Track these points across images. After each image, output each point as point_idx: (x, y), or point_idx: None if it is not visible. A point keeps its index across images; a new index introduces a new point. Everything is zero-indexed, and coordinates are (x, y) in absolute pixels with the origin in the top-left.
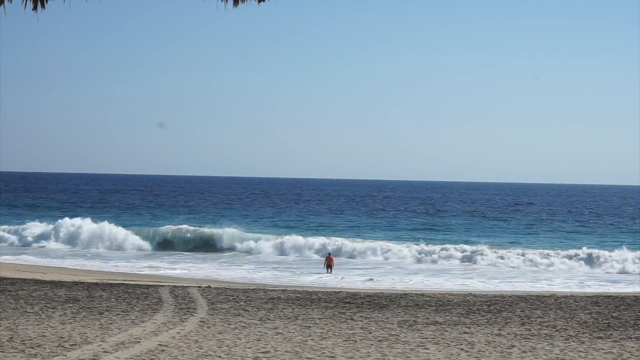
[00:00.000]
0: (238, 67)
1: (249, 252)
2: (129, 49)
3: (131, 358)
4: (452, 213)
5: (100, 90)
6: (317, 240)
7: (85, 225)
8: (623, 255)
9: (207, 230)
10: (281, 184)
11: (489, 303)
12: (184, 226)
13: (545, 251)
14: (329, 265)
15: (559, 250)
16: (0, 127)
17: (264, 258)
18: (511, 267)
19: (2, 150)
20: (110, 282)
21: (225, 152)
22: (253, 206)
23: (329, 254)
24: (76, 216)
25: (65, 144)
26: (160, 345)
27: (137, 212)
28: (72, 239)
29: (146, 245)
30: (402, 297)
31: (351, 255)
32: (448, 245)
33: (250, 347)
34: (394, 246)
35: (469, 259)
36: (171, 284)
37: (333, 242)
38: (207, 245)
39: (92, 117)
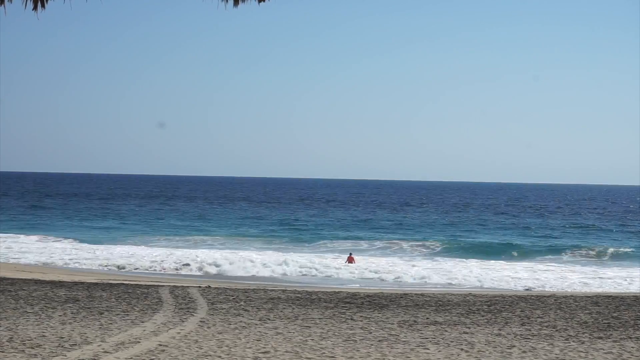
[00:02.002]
0: (240, 67)
1: None
2: (129, 49)
3: (131, 358)
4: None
5: (100, 90)
6: None
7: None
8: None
9: None
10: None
11: (489, 303)
12: None
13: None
14: (350, 264)
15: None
16: (0, 127)
17: None
18: None
19: (3, 150)
20: (110, 282)
21: (226, 152)
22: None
23: (350, 253)
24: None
25: (64, 144)
26: (160, 345)
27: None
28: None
29: None
30: (402, 297)
31: None
32: None
33: (250, 347)
34: None
35: None
36: (171, 284)
37: None
38: None
39: (92, 117)
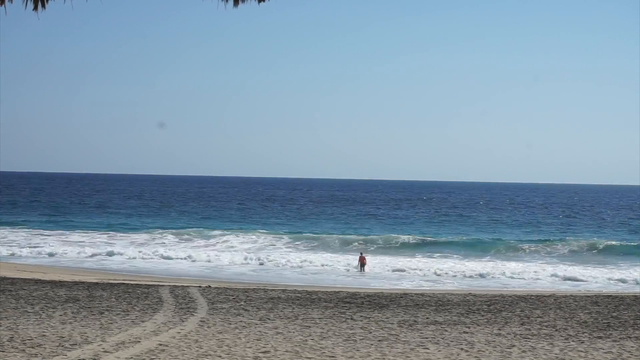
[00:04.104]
0: (240, 66)
1: None
2: (128, 48)
3: (131, 358)
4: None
5: (100, 90)
6: None
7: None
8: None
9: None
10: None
11: (489, 303)
12: None
13: None
14: (362, 264)
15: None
16: (0, 127)
17: None
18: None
19: (3, 150)
20: (111, 282)
21: (227, 152)
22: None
23: (361, 253)
24: None
25: (63, 145)
26: (160, 344)
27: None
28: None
29: None
30: (402, 297)
31: None
32: None
33: (250, 347)
34: None
35: None
36: (171, 284)
37: None
38: None
39: (92, 117)
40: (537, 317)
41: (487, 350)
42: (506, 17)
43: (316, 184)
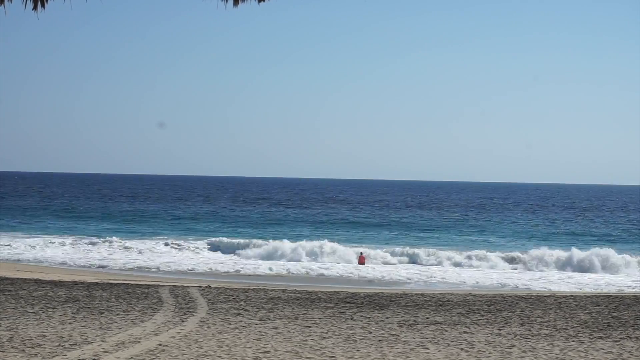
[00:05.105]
0: (241, 66)
1: None
2: (129, 49)
3: (131, 358)
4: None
5: (100, 90)
6: None
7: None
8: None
9: None
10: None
11: (489, 303)
12: None
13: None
14: (361, 263)
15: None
16: (1, 127)
17: None
18: None
19: (3, 150)
20: (111, 282)
21: (227, 152)
22: None
23: (361, 253)
24: None
25: (63, 144)
26: (160, 345)
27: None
28: None
29: None
30: (402, 297)
31: None
32: None
33: (250, 347)
34: None
35: None
36: (171, 284)
37: None
38: None
39: (92, 117)
40: (537, 317)
41: (487, 350)
42: (506, 17)
43: (318, 184)
